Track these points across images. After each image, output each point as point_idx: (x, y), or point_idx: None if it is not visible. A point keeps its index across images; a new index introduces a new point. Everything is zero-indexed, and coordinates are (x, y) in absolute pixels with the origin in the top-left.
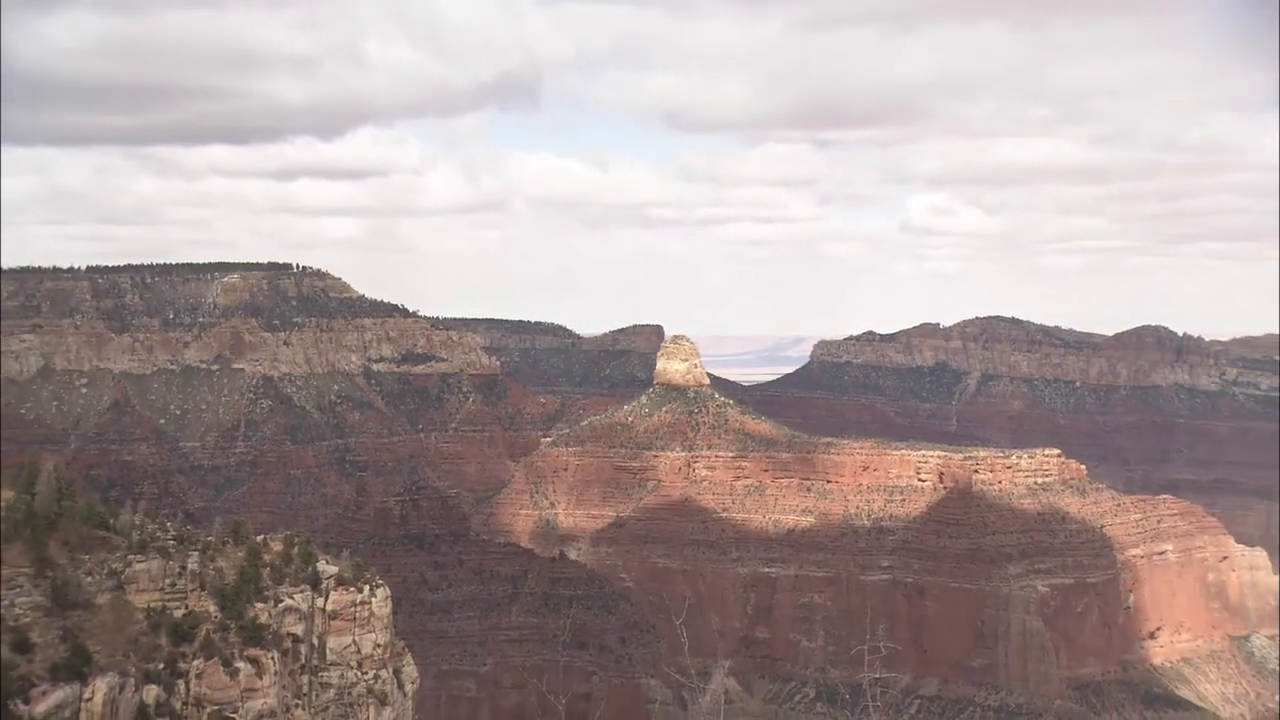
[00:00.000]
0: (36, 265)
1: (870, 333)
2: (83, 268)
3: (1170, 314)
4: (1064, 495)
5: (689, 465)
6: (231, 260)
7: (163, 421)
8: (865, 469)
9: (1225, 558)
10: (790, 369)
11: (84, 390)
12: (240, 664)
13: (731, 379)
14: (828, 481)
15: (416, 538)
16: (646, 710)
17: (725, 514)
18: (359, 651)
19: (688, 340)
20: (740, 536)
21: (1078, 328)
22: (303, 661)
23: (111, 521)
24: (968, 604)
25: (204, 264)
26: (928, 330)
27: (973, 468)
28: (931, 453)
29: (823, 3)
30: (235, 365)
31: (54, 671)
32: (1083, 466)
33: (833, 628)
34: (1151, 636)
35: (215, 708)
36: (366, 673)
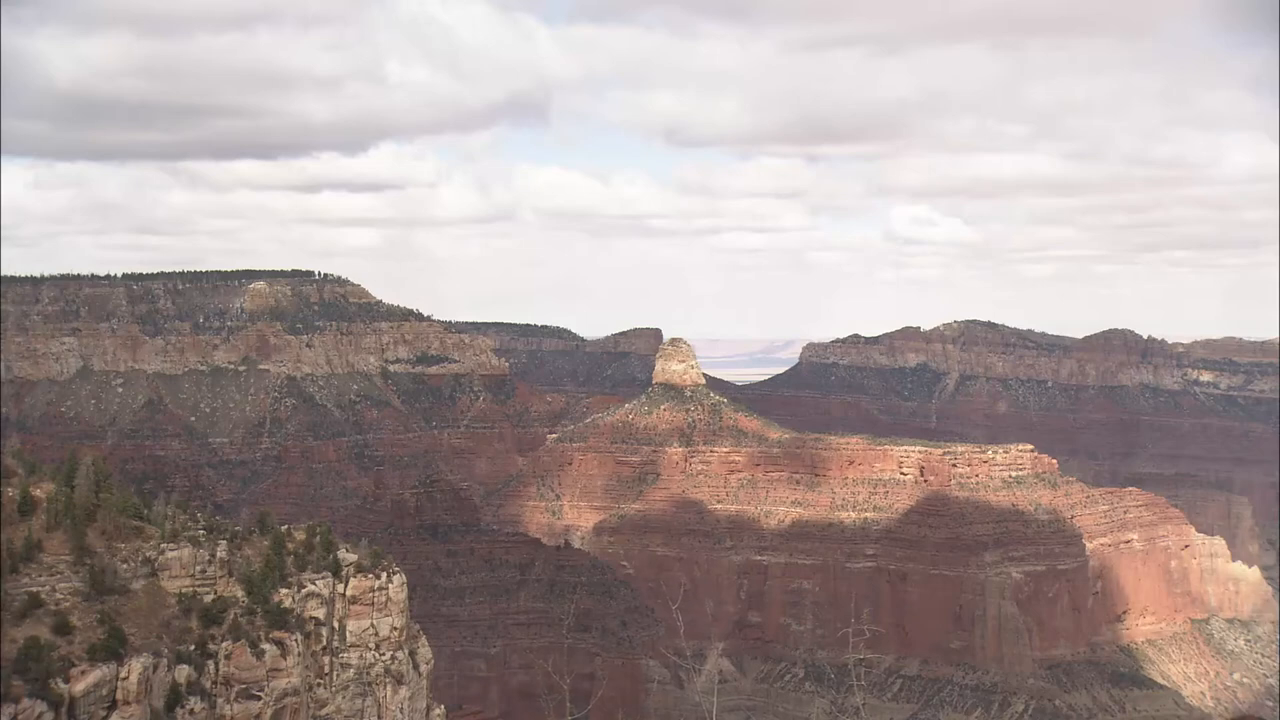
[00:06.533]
0: (76, 273)
1: (855, 336)
2: (119, 275)
3: (1136, 318)
4: (1036, 488)
5: (686, 460)
6: (258, 268)
7: (193, 419)
8: (851, 464)
9: (1187, 546)
10: (780, 370)
11: (120, 390)
12: (266, 646)
13: (725, 379)
14: (816, 475)
15: (430, 528)
16: (646, 689)
17: (720, 506)
18: (377, 634)
19: (685, 342)
20: (734, 527)
21: (1050, 331)
22: (324, 643)
23: (146, 512)
24: (946, 590)
25: (232, 272)
26: (909, 333)
27: (951, 462)
28: (913, 448)
29: (813, 26)
30: (261, 366)
31: (92, 652)
32: (1054, 461)
33: (820, 612)
34: (1118, 620)
35: (243, 686)
36: (384, 654)
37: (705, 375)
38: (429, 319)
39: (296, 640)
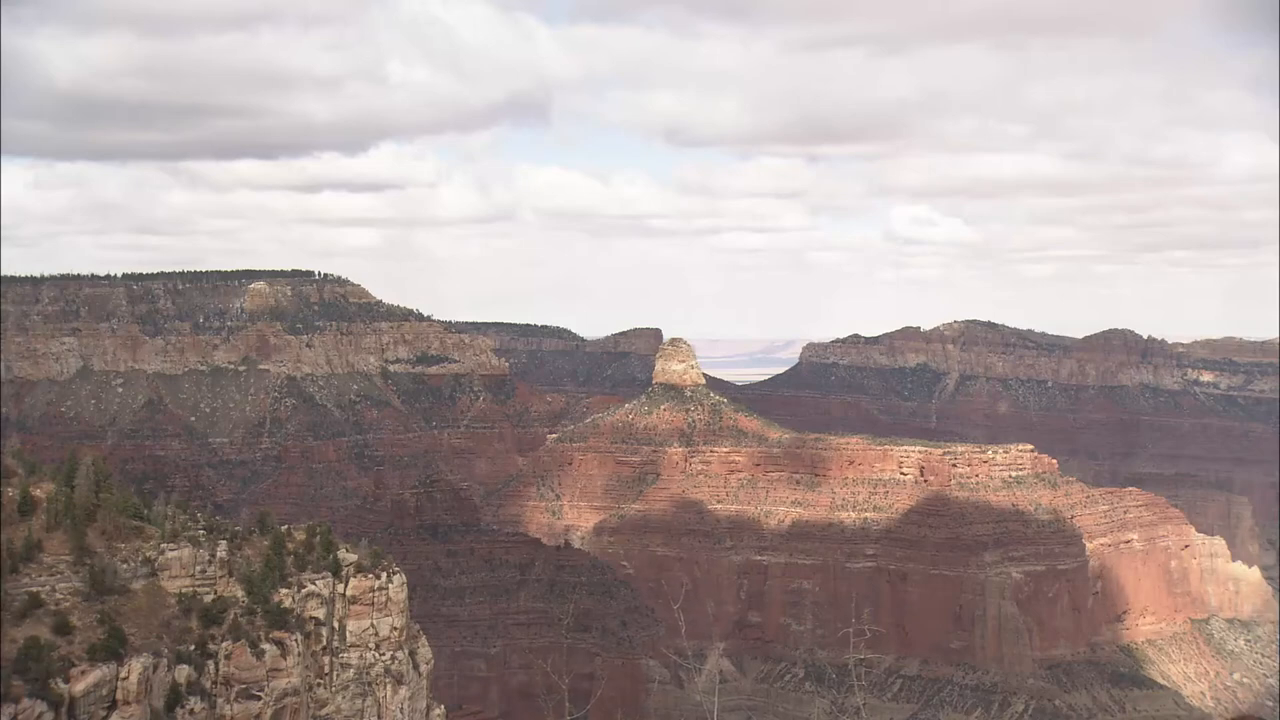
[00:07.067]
0: (76, 273)
1: (855, 335)
2: (119, 275)
3: (1136, 318)
4: (1036, 488)
5: (686, 460)
6: (258, 268)
7: (193, 419)
8: (851, 463)
9: (1187, 546)
10: (780, 370)
11: (120, 390)
12: (266, 646)
13: (725, 379)
14: (816, 475)
15: (430, 528)
16: (646, 689)
17: (720, 505)
18: (377, 634)
19: (685, 342)
20: (734, 527)
21: (1050, 331)
22: (324, 643)
23: (146, 512)
24: (947, 590)
25: (232, 272)
26: (909, 333)
27: (951, 462)
28: (913, 448)
29: (814, 26)
30: (261, 366)
31: (92, 652)
32: (1054, 461)
33: (821, 612)
34: (1118, 620)
35: (243, 686)
36: (384, 654)
37: (705, 375)
38: (429, 319)
39: (296, 640)
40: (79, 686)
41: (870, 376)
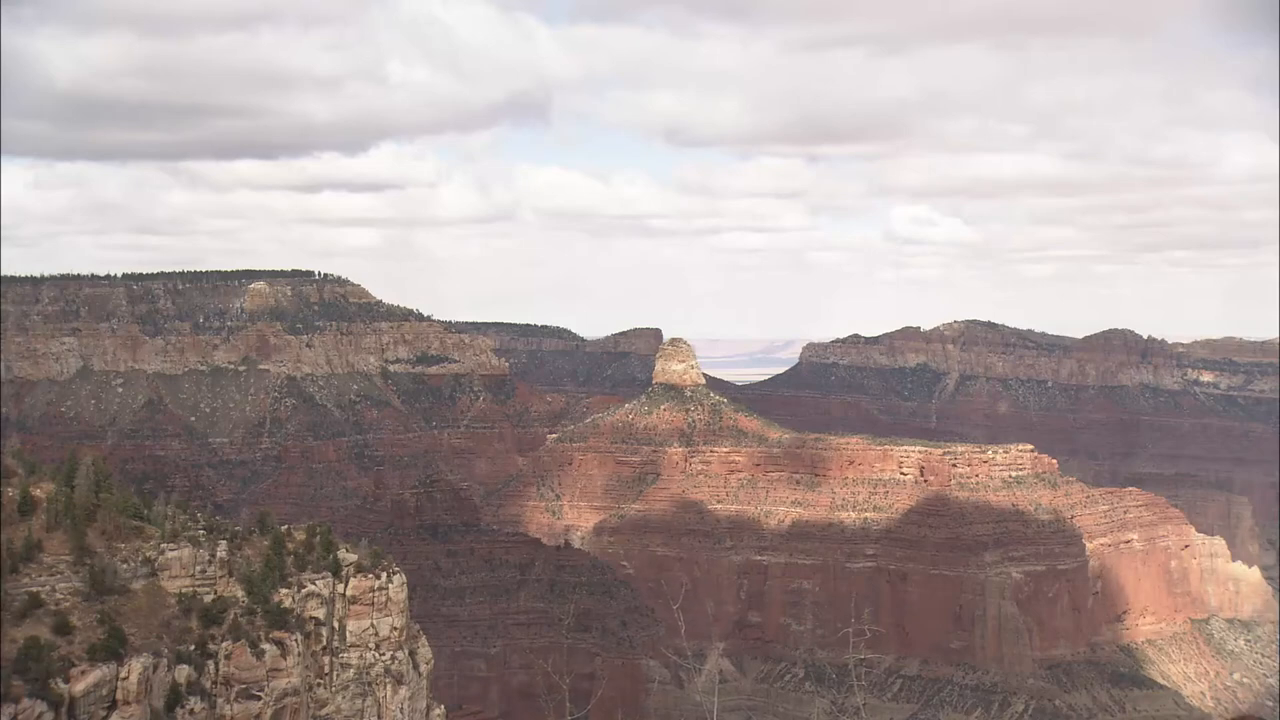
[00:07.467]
0: (76, 273)
1: (855, 335)
2: (119, 275)
3: (1136, 318)
4: (1036, 488)
5: (686, 460)
6: (258, 268)
7: (193, 419)
8: (851, 463)
9: (1187, 546)
10: (780, 370)
11: (120, 390)
12: (266, 646)
13: (725, 379)
14: (816, 475)
15: (430, 528)
16: (646, 689)
17: (720, 506)
18: (377, 634)
19: (685, 342)
20: (734, 527)
21: (1050, 331)
22: (324, 643)
23: (146, 512)
24: (947, 590)
25: (232, 272)
26: (909, 333)
27: (951, 462)
28: (913, 448)
29: (814, 26)
30: (261, 366)
31: (92, 652)
32: (1054, 461)
33: (820, 612)
34: (1118, 620)
35: (243, 686)
36: (384, 654)
37: (705, 375)
38: (429, 319)
39: (296, 640)
40: (79, 686)
41: (870, 376)
